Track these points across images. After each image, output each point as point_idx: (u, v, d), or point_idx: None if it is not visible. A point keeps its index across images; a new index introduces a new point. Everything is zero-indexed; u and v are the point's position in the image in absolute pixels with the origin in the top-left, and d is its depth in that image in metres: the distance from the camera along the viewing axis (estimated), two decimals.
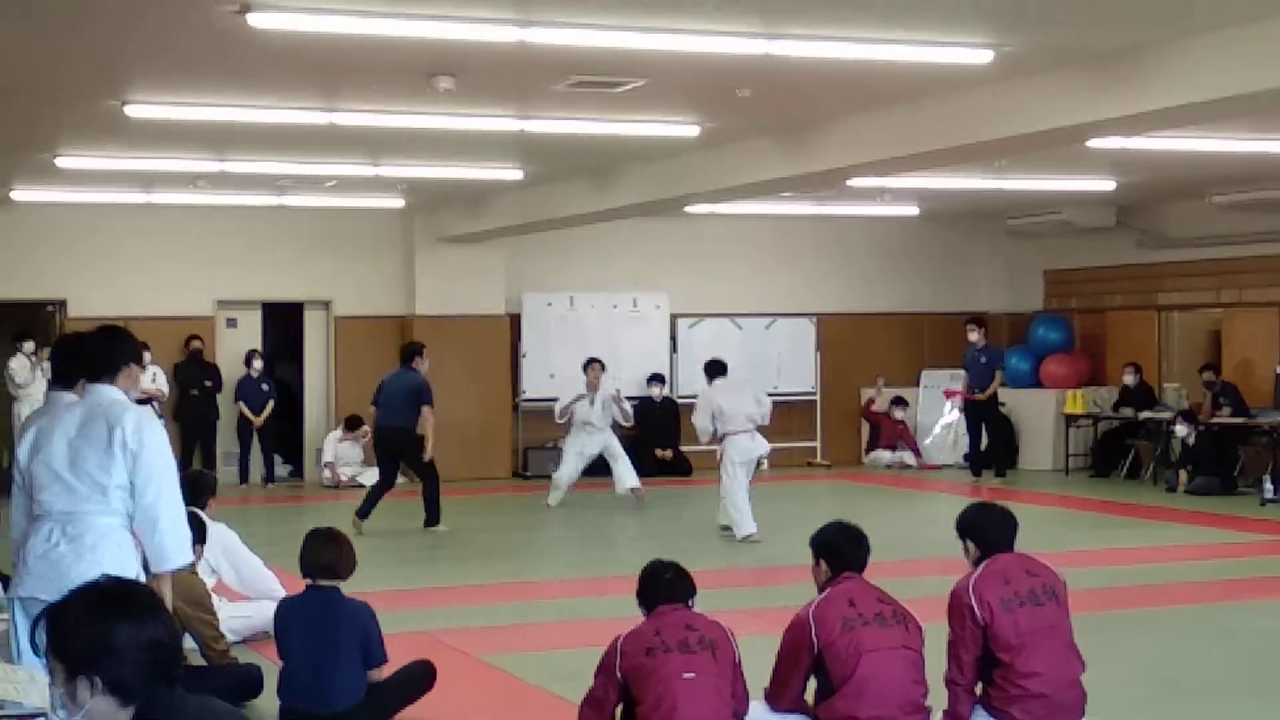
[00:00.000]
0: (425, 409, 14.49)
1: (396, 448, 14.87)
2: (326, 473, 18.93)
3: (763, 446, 14.03)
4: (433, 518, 14.65)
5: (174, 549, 5.87)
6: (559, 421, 17.02)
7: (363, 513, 14.57)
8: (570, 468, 16.60)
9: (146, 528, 5.83)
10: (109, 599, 3.20)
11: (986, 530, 6.65)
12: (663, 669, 5.94)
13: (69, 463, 5.89)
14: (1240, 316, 19.10)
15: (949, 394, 20.36)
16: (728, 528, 13.87)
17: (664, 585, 6.28)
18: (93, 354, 6.17)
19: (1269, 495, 16.15)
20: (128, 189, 16.60)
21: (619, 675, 6.03)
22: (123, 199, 17.29)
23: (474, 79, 10.08)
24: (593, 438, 16.48)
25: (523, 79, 10.30)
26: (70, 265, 18.28)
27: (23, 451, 6.12)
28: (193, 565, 7.19)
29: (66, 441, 5.94)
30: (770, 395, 18.36)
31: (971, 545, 6.64)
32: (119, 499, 5.84)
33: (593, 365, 16.72)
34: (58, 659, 3.16)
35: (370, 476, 18.60)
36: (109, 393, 6.02)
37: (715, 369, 14.35)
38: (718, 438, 13.96)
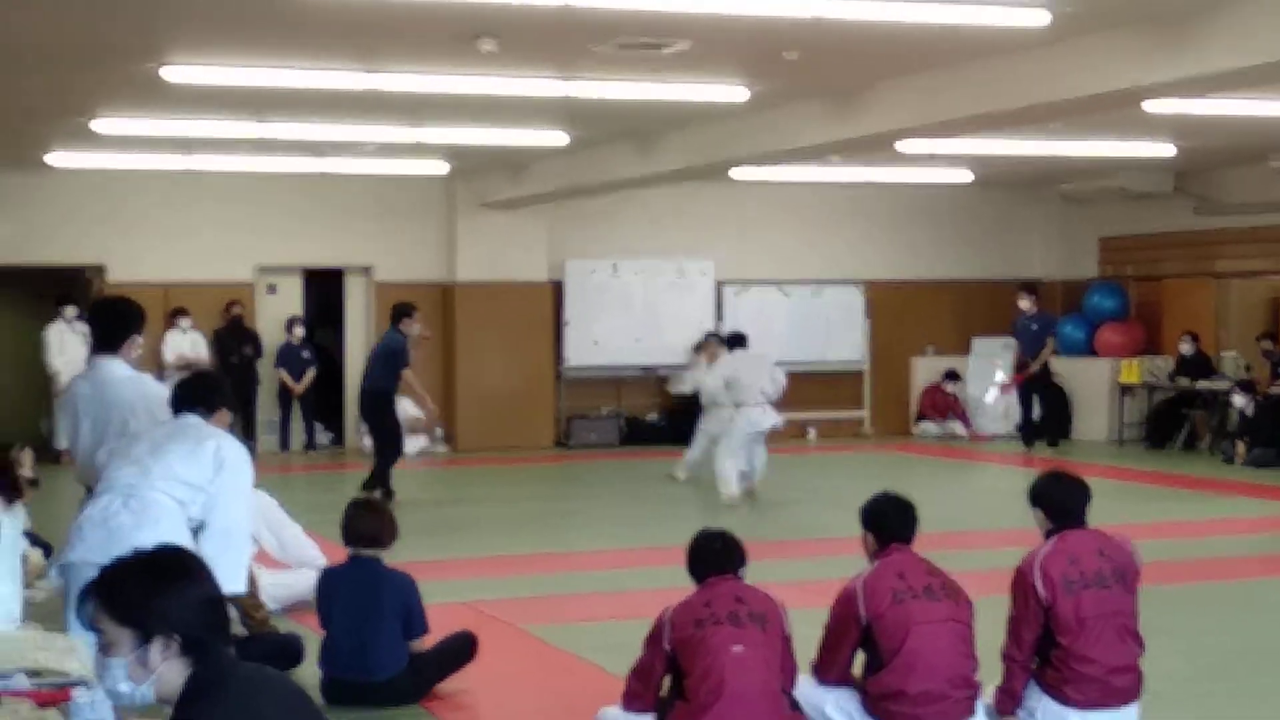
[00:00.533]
0: (405, 372, 14.26)
1: (367, 409, 14.67)
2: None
3: (771, 419, 14.38)
4: (376, 482, 14.07)
5: (227, 576, 5.84)
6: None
7: (372, 483, 14.15)
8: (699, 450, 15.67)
9: (207, 546, 5.93)
10: (168, 562, 3.33)
11: (1057, 500, 6.48)
12: (711, 641, 5.88)
13: (151, 449, 6.12)
14: None
15: (1005, 389, 19.91)
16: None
17: (713, 555, 6.22)
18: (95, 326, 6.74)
19: None
20: (166, 153, 16.53)
21: (667, 647, 5.99)
22: (161, 164, 17.23)
23: (517, 41, 9.95)
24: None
25: (567, 41, 10.16)
26: (109, 230, 18.24)
27: (75, 411, 6.68)
28: None
29: (140, 422, 6.44)
30: (817, 364, 18.13)
31: (1041, 515, 6.48)
32: (186, 493, 6.01)
33: (708, 342, 16.00)
34: (125, 625, 3.23)
35: (413, 444, 18.61)
36: (115, 369, 6.55)
37: (736, 340, 14.97)
38: (735, 404, 14.36)
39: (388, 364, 14.33)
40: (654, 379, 20.48)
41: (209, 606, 3.28)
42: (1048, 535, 6.39)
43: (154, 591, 3.23)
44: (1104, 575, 6.26)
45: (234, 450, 6.15)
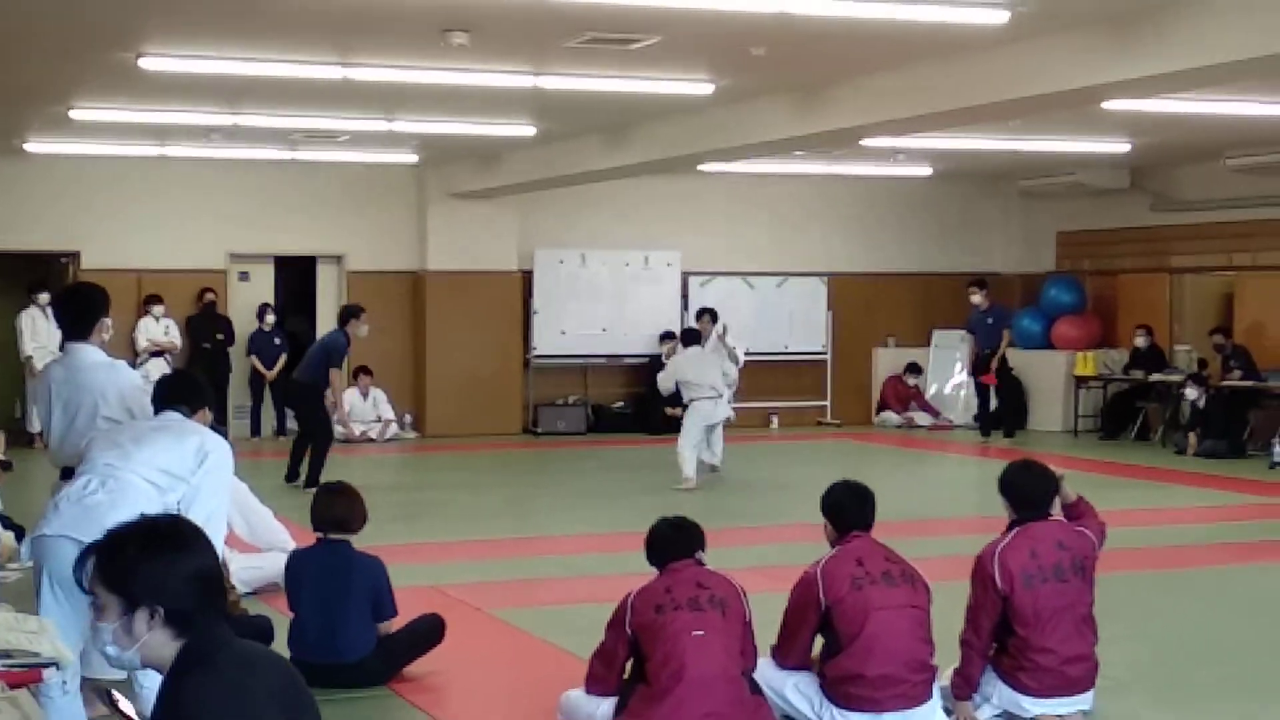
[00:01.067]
0: (332, 371, 14.30)
1: (297, 400, 14.80)
2: (339, 426, 18.94)
3: (724, 412, 15.04)
4: (312, 479, 13.64)
5: None
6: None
7: (310, 481, 13.72)
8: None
9: None
10: (163, 533, 3.30)
11: (1023, 490, 6.63)
12: (671, 626, 5.98)
13: (134, 437, 6.25)
14: (1252, 280, 19.05)
15: (987, 380, 19.93)
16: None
17: (672, 541, 6.32)
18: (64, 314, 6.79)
19: (1278, 459, 16.15)
20: (141, 142, 16.62)
21: (629, 631, 6.08)
22: (137, 151, 17.32)
23: (488, 34, 10.06)
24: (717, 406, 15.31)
25: (536, 35, 10.28)
26: (84, 217, 18.29)
27: (48, 394, 6.78)
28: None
29: (112, 408, 6.58)
30: (781, 355, 18.43)
31: (1007, 505, 6.65)
32: (166, 481, 6.12)
33: (702, 317, 16.16)
34: (114, 593, 3.22)
35: (380, 431, 18.74)
36: (89, 354, 6.62)
37: (689, 337, 15.63)
38: (683, 401, 15.07)
39: (323, 359, 14.35)
40: (621, 368, 20.66)
41: (201, 580, 3.24)
42: (1011, 526, 6.55)
43: (145, 560, 3.21)
44: (1062, 568, 6.41)
45: (217, 445, 6.28)
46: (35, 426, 14.92)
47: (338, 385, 14.65)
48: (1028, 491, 6.62)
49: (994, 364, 19.21)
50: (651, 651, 6.01)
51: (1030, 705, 6.39)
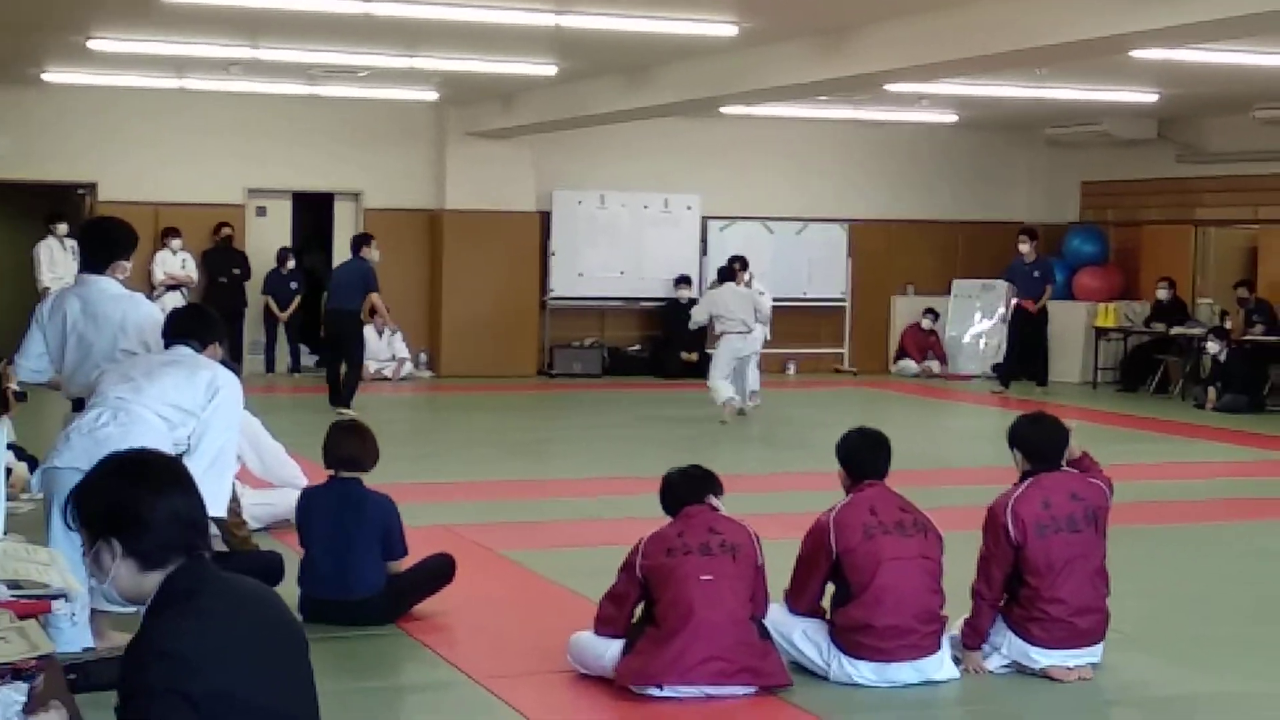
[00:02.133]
0: (373, 295, 15.21)
1: (343, 329, 15.45)
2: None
3: (754, 345, 15.85)
4: (347, 398, 15.11)
5: (209, 500, 5.99)
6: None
7: (340, 401, 15.06)
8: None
9: (193, 469, 6.01)
10: (128, 467, 3.26)
11: (1035, 442, 6.61)
12: (680, 569, 6.00)
13: (146, 371, 6.25)
14: (1277, 234, 18.91)
15: (1019, 304, 19.61)
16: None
17: (685, 486, 6.32)
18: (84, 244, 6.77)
19: None
20: (160, 74, 16.54)
21: (639, 574, 6.09)
22: (155, 83, 17.23)
23: None
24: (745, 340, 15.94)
25: None
26: (102, 149, 18.23)
27: (62, 324, 6.74)
28: None
29: (130, 341, 6.57)
30: (799, 300, 18.37)
31: (1020, 456, 6.61)
32: (176, 415, 6.15)
33: (734, 263, 16.24)
34: (81, 524, 3.22)
35: (395, 370, 18.76)
36: (107, 285, 6.60)
37: (725, 274, 15.99)
38: (714, 333, 15.87)
39: (360, 286, 15.19)
40: (637, 311, 20.60)
41: (172, 517, 3.18)
42: (1023, 477, 6.52)
43: (108, 494, 3.19)
44: (1075, 519, 6.39)
45: (228, 381, 6.29)
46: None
47: (381, 307, 15.54)
48: (1040, 443, 6.59)
49: (1035, 308, 18.86)
50: (660, 594, 6.03)
51: (1039, 656, 6.39)
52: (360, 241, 15.58)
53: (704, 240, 20.53)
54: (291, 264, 19.02)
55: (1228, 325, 18.04)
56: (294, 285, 19.04)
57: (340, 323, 15.45)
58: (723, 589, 6.00)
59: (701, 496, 6.28)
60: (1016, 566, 6.36)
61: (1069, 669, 6.41)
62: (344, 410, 14.41)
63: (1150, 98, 17.12)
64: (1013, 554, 6.33)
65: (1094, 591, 6.42)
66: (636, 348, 20.55)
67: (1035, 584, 6.32)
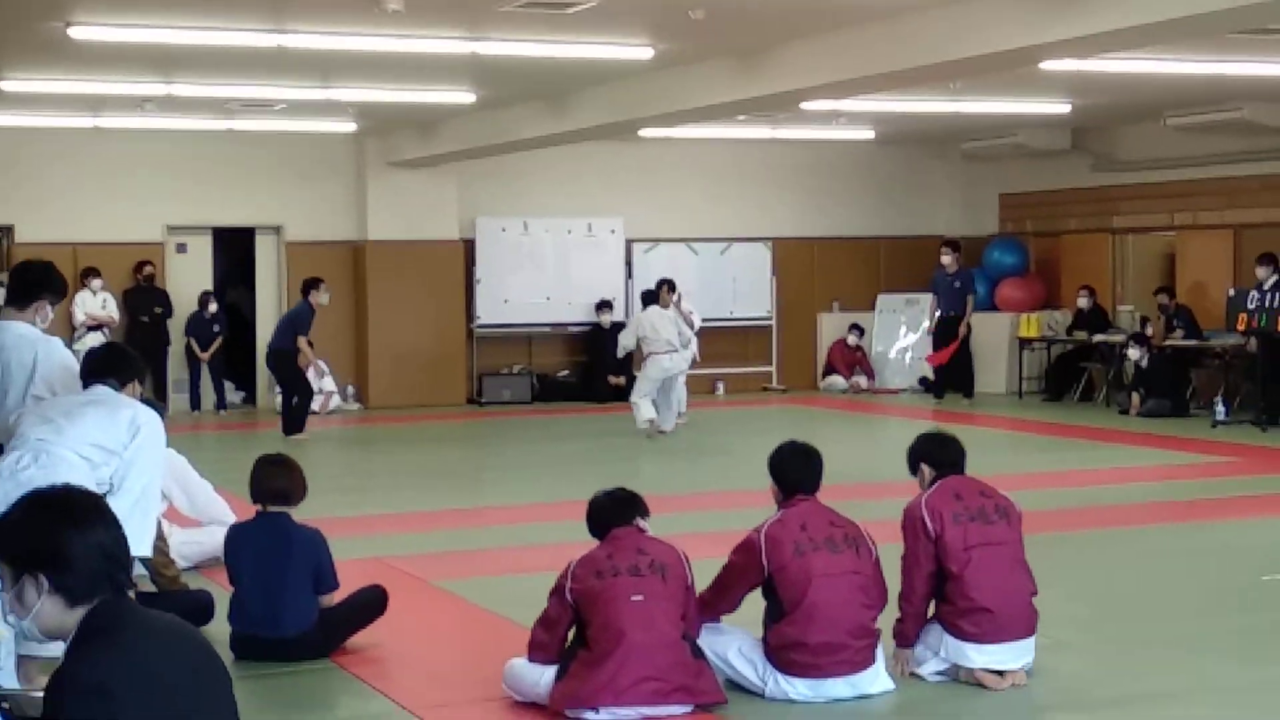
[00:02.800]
0: (300, 338, 16.05)
1: (274, 366, 16.56)
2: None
3: (680, 365, 16.26)
4: (296, 427, 16.10)
5: (134, 540, 5.92)
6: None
7: (291, 430, 15.99)
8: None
9: (117, 509, 5.94)
10: (53, 502, 3.27)
11: (937, 454, 6.80)
12: (610, 591, 6.00)
13: (66, 411, 6.19)
14: (1194, 239, 19.16)
15: (931, 359, 19.97)
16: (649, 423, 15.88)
17: (611, 510, 6.33)
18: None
19: (1220, 417, 16.25)
20: (75, 113, 16.41)
21: (570, 598, 6.08)
22: (70, 123, 17.08)
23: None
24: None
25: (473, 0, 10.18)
26: (17, 190, 18.04)
27: None
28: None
29: (38, 388, 6.46)
30: (725, 320, 18.60)
31: (926, 469, 6.76)
32: (99, 455, 6.11)
33: (662, 286, 16.80)
34: (4, 560, 3.21)
35: (323, 403, 18.63)
36: (14, 328, 6.46)
37: (650, 297, 16.66)
38: (643, 355, 16.30)
39: (290, 328, 16.22)
40: (565, 336, 20.60)
41: (97, 552, 3.19)
42: (932, 482, 6.68)
43: (32, 529, 3.19)
44: (987, 511, 6.55)
45: (149, 419, 6.25)
46: None
47: (306, 349, 16.18)
48: (944, 455, 6.79)
49: (962, 329, 19.17)
50: (591, 617, 6.03)
51: (974, 654, 6.43)
52: (308, 285, 16.30)
53: (629, 263, 20.57)
54: (214, 307, 18.88)
55: (1148, 331, 18.25)
56: (216, 328, 18.89)
57: (272, 361, 16.63)
58: (654, 609, 5.99)
59: (629, 519, 6.28)
60: (940, 563, 6.44)
61: (1001, 675, 6.44)
62: (298, 437, 15.76)
63: (1063, 109, 17.32)
64: (932, 548, 6.44)
65: (1016, 580, 6.53)
66: (565, 373, 20.54)
67: (959, 571, 6.41)
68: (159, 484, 6.39)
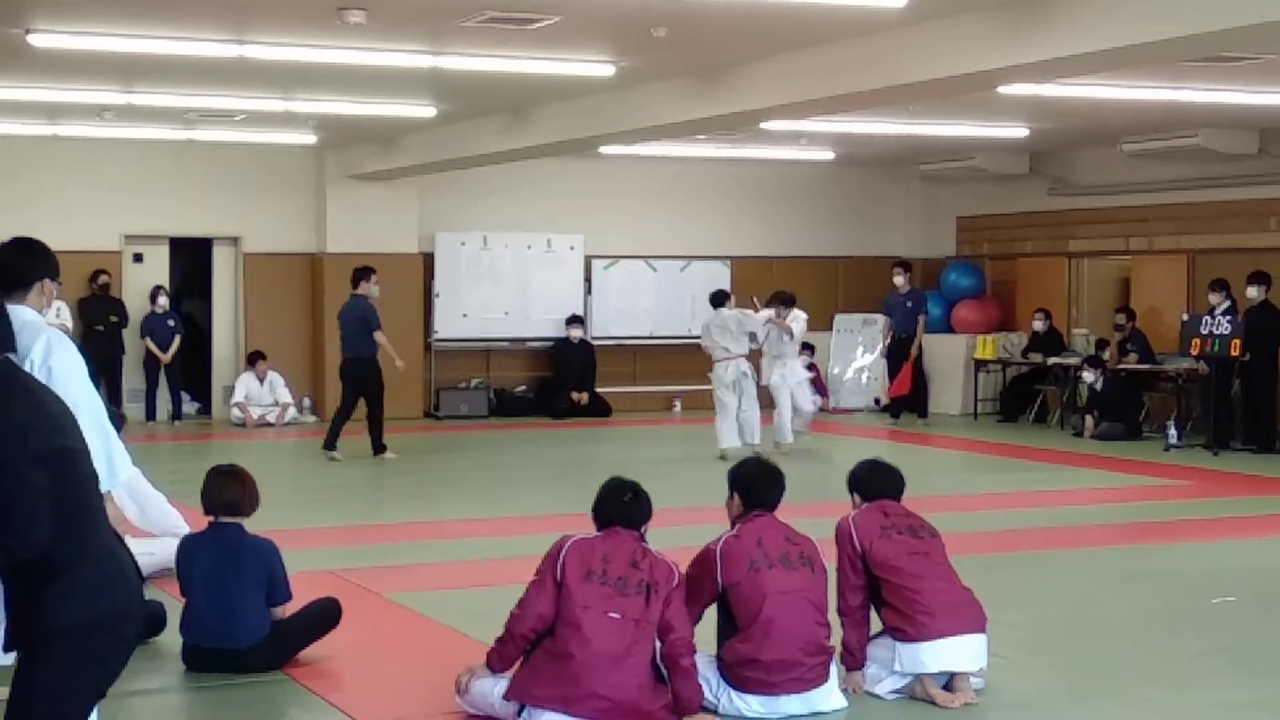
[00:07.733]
0: (377, 333, 14.97)
1: (358, 378, 15.22)
2: (236, 411, 18.75)
3: (734, 372, 15.63)
4: (382, 443, 15.32)
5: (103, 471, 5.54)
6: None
7: (328, 444, 15.28)
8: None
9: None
10: None
11: (867, 483, 6.93)
12: (590, 597, 5.90)
13: None
14: (1148, 263, 19.32)
15: (893, 392, 20.04)
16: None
17: (620, 507, 6.22)
18: (4, 266, 5.91)
19: (1173, 441, 16.37)
20: (33, 120, 16.32)
21: (558, 577, 5.96)
22: (27, 130, 17.00)
23: (385, 12, 9.99)
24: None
25: (434, 13, 10.21)
26: None
27: None
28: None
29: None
30: (684, 338, 18.67)
31: (858, 498, 6.91)
32: None
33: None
34: None
35: (278, 415, 18.58)
36: (20, 313, 5.66)
37: (715, 300, 16.18)
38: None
39: (363, 328, 15.01)
40: (523, 351, 20.59)
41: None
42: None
43: None
44: (915, 528, 6.69)
45: (49, 353, 5.75)
46: None
47: (386, 343, 15.13)
48: (873, 486, 6.91)
49: (913, 350, 19.29)
50: (566, 615, 5.90)
51: (929, 658, 6.45)
52: (359, 276, 15.32)
53: (588, 280, 20.58)
54: (164, 301, 18.77)
55: (1104, 355, 18.38)
56: (171, 324, 18.80)
57: (350, 371, 15.31)
58: (627, 631, 5.89)
59: (636, 524, 6.20)
60: (874, 574, 6.52)
61: (954, 693, 6.47)
62: (386, 455, 15.20)
63: (1021, 133, 17.46)
64: (860, 562, 6.54)
65: (953, 578, 6.64)
66: (523, 388, 20.53)
67: (895, 580, 6.49)
68: (94, 403, 5.92)
